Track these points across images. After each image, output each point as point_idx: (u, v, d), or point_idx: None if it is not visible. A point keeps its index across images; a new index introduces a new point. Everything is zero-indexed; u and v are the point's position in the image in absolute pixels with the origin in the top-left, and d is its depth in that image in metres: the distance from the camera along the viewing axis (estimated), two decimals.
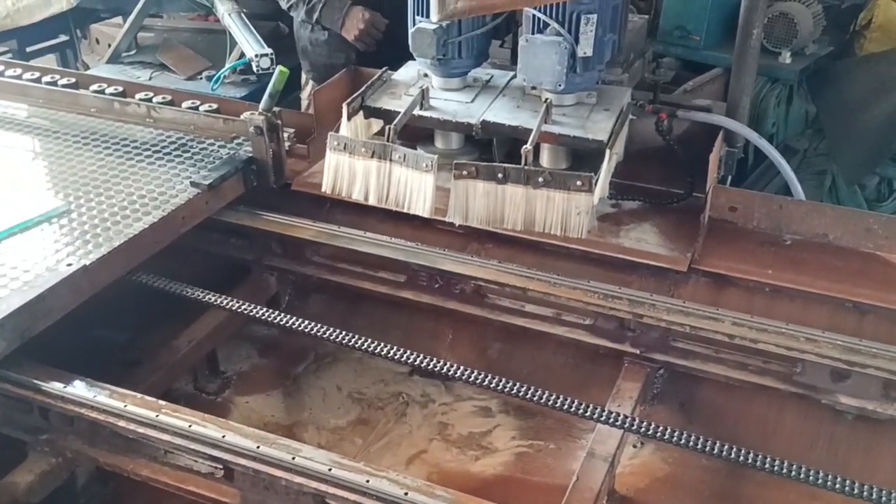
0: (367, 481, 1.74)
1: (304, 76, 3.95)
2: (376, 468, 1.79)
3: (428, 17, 2.50)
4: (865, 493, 1.75)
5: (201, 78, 4.49)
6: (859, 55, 4.67)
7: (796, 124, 4.63)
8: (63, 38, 6.02)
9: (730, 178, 2.92)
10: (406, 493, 1.72)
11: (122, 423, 1.92)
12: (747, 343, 2.20)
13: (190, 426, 1.87)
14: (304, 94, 3.99)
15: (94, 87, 3.14)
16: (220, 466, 1.89)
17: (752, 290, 2.40)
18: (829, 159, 4.63)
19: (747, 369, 2.28)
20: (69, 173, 2.66)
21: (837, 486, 1.77)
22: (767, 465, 1.82)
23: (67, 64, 5.94)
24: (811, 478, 1.79)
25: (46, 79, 3.20)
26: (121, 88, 3.15)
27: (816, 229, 2.51)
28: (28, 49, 5.76)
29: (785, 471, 1.81)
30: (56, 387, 1.98)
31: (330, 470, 1.77)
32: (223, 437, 1.85)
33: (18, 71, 3.27)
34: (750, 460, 1.84)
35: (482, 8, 2.26)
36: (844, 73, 4.58)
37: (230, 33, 4.24)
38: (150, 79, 4.45)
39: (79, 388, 1.98)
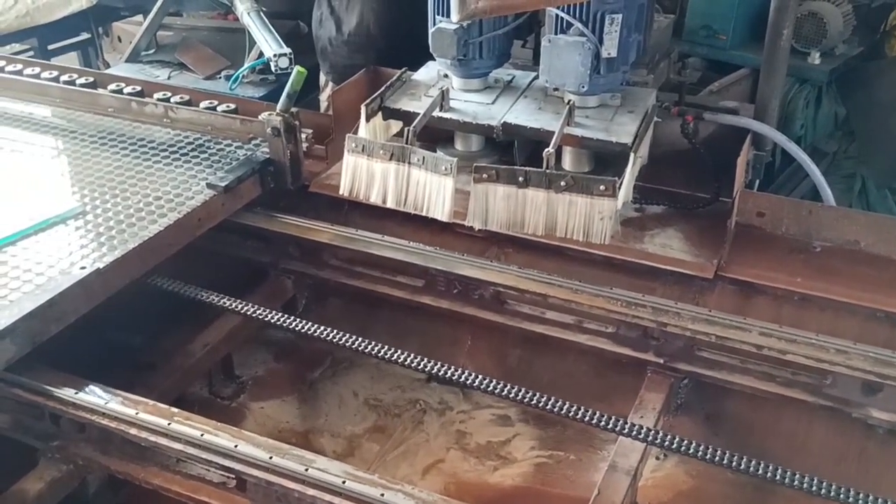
0: (382, 495, 1.70)
1: (322, 77, 3.91)
2: (391, 481, 1.75)
3: (448, 16, 2.45)
4: None
5: (220, 77, 4.46)
6: (890, 56, 4.57)
7: (825, 126, 4.53)
8: (85, 36, 6.02)
9: (757, 182, 2.85)
10: None
11: (133, 431, 1.89)
12: (775, 354, 2.14)
13: (202, 435, 1.84)
14: (324, 96, 3.95)
15: (112, 86, 3.11)
16: (233, 476, 1.85)
17: (780, 299, 2.33)
18: (858, 163, 4.53)
19: (775, 381, 2.21)
20: (85, 174, 2.64)
21: None
22: (796, 482, 1.76)
23: (89, 62, 5.93)
24: (841, 495, 1.73)
25: (64, 78, 3.18)
26: (139, 88, 3.12)
27: (847, 236, 2.44)
28: (50, 47, 5.75)
29: (814, 487, 1.75)
30: (68, 393, 1.96)
31: (344, 482, 1.73)
32: (235, 446, 1.81)
33: (37, 70, 3.26)
34: (777, 476, 1.78)
35: (503, 7, 2.21)
36: (875, 75, 4.48)
37: (249, 32, 4.21)
38: (168, 78, 4.42)
39: (90, 395, 1.95)
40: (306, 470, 1.76)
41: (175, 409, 1.94)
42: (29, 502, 1.95)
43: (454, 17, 2.34)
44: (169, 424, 1.87)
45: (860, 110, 4.47)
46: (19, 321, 1.95)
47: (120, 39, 5.95)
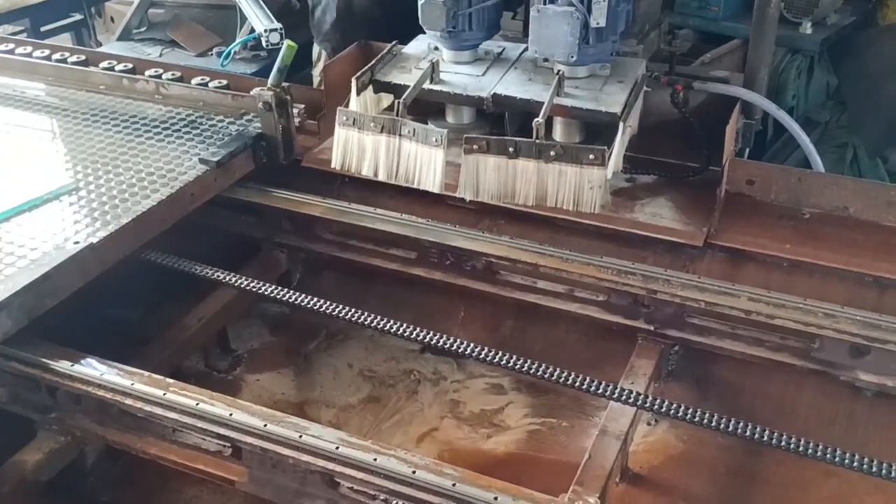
0: (375, 459, 1.72)
1: (315, 50, 3.91)
2: (384, 446, 1.77)
3: None
4: (884, 472, 1.71)
5: (212, 54, 4.46)
6: (882, 25, 4.56)
7: (817, 96, 4.54)
8: (77, 17, 5.99)
9: (747, 150, 2.86)
10: (414, 472, 1.70)
11: (129, 402, 1.91)
12: (764, 319, 2.16)
13: (197, 404, 1.86)
14: (317, 70, 3.96)
15: (104, 64, 3.12)
16: (228, 445, 1.88)
17: (769, 265, 2.35)
18: (850, 132, 4.54)
19: (764, 345, 2.24)
20: (78, 151, 2.65)
21: (856, 464, 1.73)
22: (784, 443, 1.78)
23: (82, 43, 5.90)
24: (829, 456, 1.75)
25: (56, 56, 3.18)
26: (130, 65, 3.12)
27: (836, 202, 2.46)
28: (42, 28, 5.73)
29: (802, 448, 1.77)
30: (63, 365, 1.97)
31: (337, 448, 1.75)
32: (230, 415, 1.83)
33: (29, 49, 3.26)
34: (766, 438, 1.80)
35: None
36: (867, 44, 4.48)
37: (240, 8, 4.20)
38: (160, 55, 4.43)
39: (86, 367, 1.97)
40: (300, 437, 1.78)
41: (170, 380, 1.96)
42: (27, 473, 1.98)
43: None
44: (164, 395, 1.89)
45: (852, 80, 4.47)
46: (14, 295, 1.97)
47: (113, 20, 5.93)
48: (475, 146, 2.23)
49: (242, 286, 2.34)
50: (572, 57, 2.40)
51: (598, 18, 2.38)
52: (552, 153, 2.19)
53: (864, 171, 4.42)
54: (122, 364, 2.01)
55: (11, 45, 3.29)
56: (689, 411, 1.85)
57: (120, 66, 3.10)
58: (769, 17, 2.64)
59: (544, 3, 2.39)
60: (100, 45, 5.53)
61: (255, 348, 2.69)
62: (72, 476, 2.11)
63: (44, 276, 2.03)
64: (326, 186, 2.73)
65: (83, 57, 3.20)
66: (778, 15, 2.68)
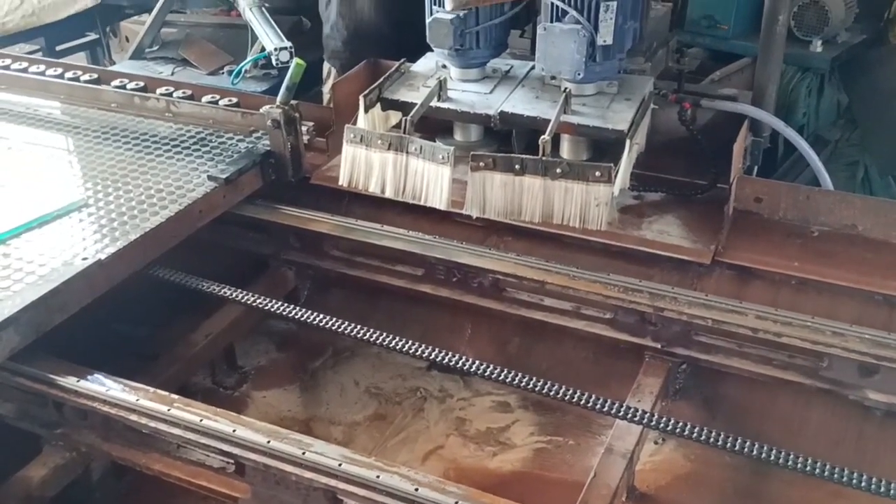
0: (378, 477, 1.72)
1: (325, 68, 3.93)
2: (387, 463, 1.77)
3: (444, 6, 2.48)
4: (893, 493, 1.69)
5: (223, 73, 4.49)
6: (893, 43, 4.55)
7: (828, 114, 4.52)
8: (92, 36, 6.05)
9: (756, 168, 2.85)
10: (417, 489, 1.69)
11: (133, 418, 1.91)
12: (771, 337, 2.15)
13: (201, 420, 1.86)
14: (326, 87, 3.97)
15: (116, 82, 3.15)
16: (231, 461, 1.88)
17: (777, 283, 2.34)
18: (861, 150, 4.52)
19: (772, 364, 2.22)
20: (88, 168, 2.67)
21: (864, 484, 1.71)
22: (792, 463, 1.77)
23: (97, 62, 5.97)
24: (836, 476, 1.74)
25: (69, 74, 3.22)
26: (142, 84, 3.15)
27: (845, 220, 2.44)
28: (57, 48, 5.79)
29: (810, 469, 1.76)
30: (70, 381, 1.98)
31: (340, 465, 1.74)
32: (234, 431, 1.83)
33: (42, 67, 3.29)
34: (774, 458, 1.79)
35: None
36: (877, 62, 4.47)
37: (251, 27, 4.23)
38: (172, 74, 4.45)
39: (92, 383, 1.98)
40: (303, 453, 1.78)
41: (175, 396, 1.96)
42: (33, 489, 1.99)
43: (448, 6, 2.37)
44: (168, 410, 1.89)
45: (862, 98, 4.46)
46: (22, 311, 1.98)
47: (128, 39, 5.97)
48: (482, 163, 2.23)
49: (250, 303, 2.35)
50: (579, 74, 2.41)
51: (605, 36, 2.39)
52: (558, 170, 2.19)
53: (876, 190, 4.40)
54: (129, 380, 2.02)
55: (24, 64, 3.33)
56: (697, 430, 1.84)
57: (131, 85, 3.12)
58: (776, 35, 2.65)
59: (551, 22, 2.40)
60: (114, 64, 5.57)
61: (261, 365, 2.70)
62: (77, 492, 2.11)
63: (52, 292, 2.05)
64: (334, 203, 2.74)
65: (95, 75, 3.23)
66: (785, 33, 2.68)
